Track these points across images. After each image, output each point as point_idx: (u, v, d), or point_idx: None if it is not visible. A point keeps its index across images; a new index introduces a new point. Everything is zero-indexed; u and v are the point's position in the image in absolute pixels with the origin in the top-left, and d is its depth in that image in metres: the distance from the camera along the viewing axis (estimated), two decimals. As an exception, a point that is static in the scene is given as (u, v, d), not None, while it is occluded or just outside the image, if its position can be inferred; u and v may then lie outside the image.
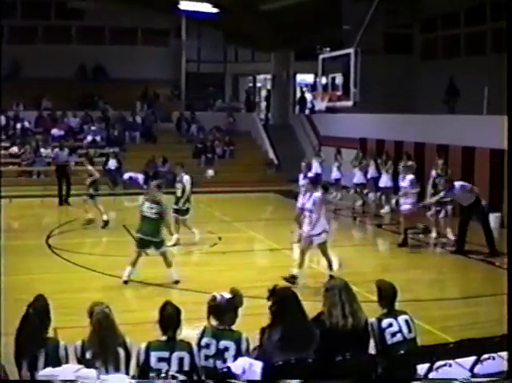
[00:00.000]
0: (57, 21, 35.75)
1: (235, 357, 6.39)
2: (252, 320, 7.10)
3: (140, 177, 27.72)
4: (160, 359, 6.28)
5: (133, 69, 34.64)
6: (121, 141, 31.55)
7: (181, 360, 6.29)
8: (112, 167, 27.94)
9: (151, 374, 6.26)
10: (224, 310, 6.63)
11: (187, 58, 37.60)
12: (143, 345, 6.40)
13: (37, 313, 6.49)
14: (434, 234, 18.17)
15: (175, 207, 17.06)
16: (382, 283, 7.38)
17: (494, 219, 18.07)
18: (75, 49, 35.14)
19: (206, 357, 6.48)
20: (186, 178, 17.18)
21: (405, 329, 7.09)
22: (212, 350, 6.48)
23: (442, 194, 16.60)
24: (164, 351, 6.32)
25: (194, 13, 33.81)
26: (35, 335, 6.40)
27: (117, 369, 6.33)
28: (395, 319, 7.11)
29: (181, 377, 6.19)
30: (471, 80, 24.76)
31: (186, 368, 6.27)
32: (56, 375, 5.83)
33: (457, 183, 16.24)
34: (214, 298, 6.69)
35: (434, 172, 18.38)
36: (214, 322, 6.66)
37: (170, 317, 6.50)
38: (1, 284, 12.17)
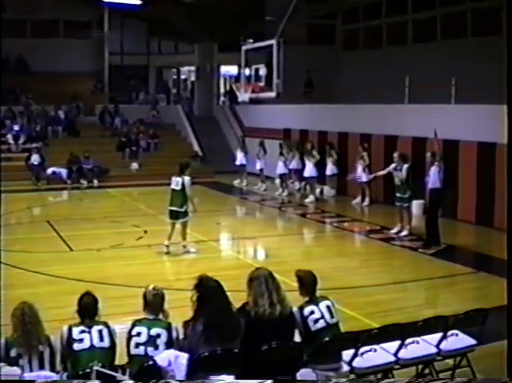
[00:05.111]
0: (-24, 14, 35.06)
1: (167, 345, 6.48)
2: (179, 312, 7.10)
3: (64, 172, 27.53)
4: (81, 331, 6.54)
5: (55, 62, 34.13)
6: (44, 136, 31.02)
7: (100, 331, 6.57)
8: (35, 163, 27.65)
9: (75, 344, 6.45)
10: (152, 302, 6.72)
11: (110, 51, 37.12)
12: (65, 326, 6.64)
13: None
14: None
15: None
16: (301, 272, 7.44)
17: (417, 205, 18.36)
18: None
19: (137, 345, 6.53)
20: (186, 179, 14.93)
21: (327, 315, 7.18)
22: (143, 338, 6.53)
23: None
24: (84, 326, 6.59)
25: (117, 5, 33.54)
26: None
27: (42, 367, 6.30)
28: (317, 306, 7.19)
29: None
30: (392, 70, 25.14)
31: (106, 339, 6.53)
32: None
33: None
34: (145, 291, 6.81)
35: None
36: (145, 314, 6.74)
37: (87, 307, 6.71)
38: None
